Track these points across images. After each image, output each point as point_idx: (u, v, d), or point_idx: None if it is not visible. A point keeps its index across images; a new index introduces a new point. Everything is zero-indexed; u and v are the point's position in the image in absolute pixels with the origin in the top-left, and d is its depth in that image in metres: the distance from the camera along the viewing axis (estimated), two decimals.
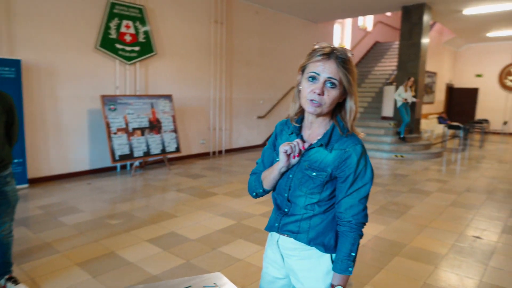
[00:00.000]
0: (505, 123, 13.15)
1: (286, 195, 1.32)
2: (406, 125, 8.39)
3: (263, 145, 9.31)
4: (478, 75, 14.29)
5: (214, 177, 5.97)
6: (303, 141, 1.28)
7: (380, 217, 4.16)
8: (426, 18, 8.53)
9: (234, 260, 3.03)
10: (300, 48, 9.90)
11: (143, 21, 6.29)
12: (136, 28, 6.21)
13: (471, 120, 13.30)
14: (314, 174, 1.25)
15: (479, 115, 14.16)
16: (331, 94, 1.19)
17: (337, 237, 1.28)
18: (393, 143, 8.46)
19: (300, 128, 1.34)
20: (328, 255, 1.29)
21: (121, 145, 5.79)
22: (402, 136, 8.42)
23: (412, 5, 8.47)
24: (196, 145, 7.69)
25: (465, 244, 3.48)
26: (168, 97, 6.60)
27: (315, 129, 1.29)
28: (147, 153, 6.14)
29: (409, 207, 4.58)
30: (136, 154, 5.97)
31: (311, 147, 1.27)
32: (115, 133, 5.74)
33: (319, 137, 1.27)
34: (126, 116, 5.93)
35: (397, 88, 8.79)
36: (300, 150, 1.26)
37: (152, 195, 4.89)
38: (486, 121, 12.35)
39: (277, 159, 1.35)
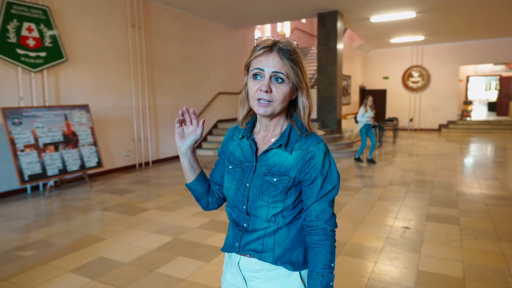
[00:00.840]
0: (411, 120, 14.62)
1: (244, 207, 1.16)
2: (363, 147, 7.81)
3: None
4: (385, 78, 15.72)
5: (143, 191, 5.55)
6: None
7: None
8: (339, 24, 9.06)
9: (175, 281, 2.77)
10: (223, 54, 9.83)
11: (48, 24, 5.63)
12: (40, 32, 5.53)
13: (383, 118, 14.51)
14: (275, 179, 1.11)
15: (389, 113, 15.57)
16: (281, 90, 1.07)
17: (305, 252, 1.15)
18: None
19: (251, 131, 1.21)
20: (296, 273, 1.15)
21: (30, 163, 5.08)
22: (357, 157, 7.93)
23: (326, 12, 8.93)
24: (120, 158, 7.13)
25: (397, 236, 3.66)
26: (85, 107, 6.00)
27: (270, 131, 1.17)
28: (63, 171, 5.48)
29: (343, 204, 4.73)
30: (50, 173, 5.30)
31: (268, 149, 1.14)
32: (22, 151, 5.03)
33: (276, 138, 1.15)
34: (35, 131, 5.23)
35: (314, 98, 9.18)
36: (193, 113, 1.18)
37: (73, 217, 4.35)
38: (396, 119, 13.55)
39: (229, 167, 1.21)
